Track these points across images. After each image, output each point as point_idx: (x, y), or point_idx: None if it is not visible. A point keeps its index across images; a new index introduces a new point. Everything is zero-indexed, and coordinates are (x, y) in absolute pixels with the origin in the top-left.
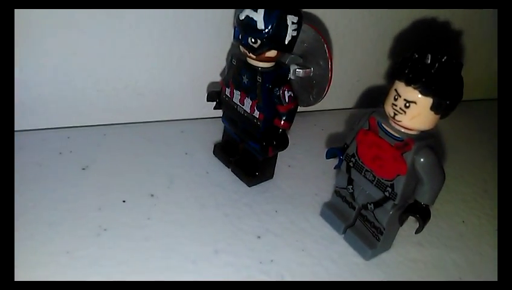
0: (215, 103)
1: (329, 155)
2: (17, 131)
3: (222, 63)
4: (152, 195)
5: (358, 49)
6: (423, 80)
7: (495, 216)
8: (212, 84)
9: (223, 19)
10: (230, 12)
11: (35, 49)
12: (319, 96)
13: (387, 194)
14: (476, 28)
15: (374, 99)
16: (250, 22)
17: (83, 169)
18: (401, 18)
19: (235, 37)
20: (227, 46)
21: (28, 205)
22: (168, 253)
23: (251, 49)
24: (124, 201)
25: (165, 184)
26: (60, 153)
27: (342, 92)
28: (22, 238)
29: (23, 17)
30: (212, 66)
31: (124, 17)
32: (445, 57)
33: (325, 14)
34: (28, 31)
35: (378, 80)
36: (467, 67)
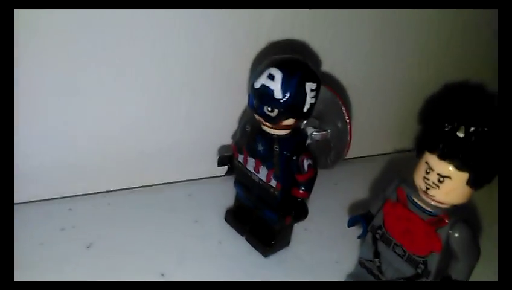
0: (226, 167)
1: (351, 224)
2: (17, 204)
3: (232, 120)
4: (162, 274)
5: (367, 94)
6: (460, 155)
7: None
8: (222, 148)
9: (233, 71)
10: (241, 63)
11: (36, 114)
12: (337, 158)
13: (419, 271)
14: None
15: (388, 145)
16: (266, 91)
17: (87, 247)
18: (416, 64)
19: (250, 105)
20: (238, 100)
21: None
22: None
23: (268, 118)
24: None
25: (175, 260)
26: (62, 230)
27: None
28: None
29: (23, 81)
30: (222, 123)
31: (127, 74)
32: (479, 128)
33: (342, 73)
34: (29, 95)
35: (396, 122)
36: None
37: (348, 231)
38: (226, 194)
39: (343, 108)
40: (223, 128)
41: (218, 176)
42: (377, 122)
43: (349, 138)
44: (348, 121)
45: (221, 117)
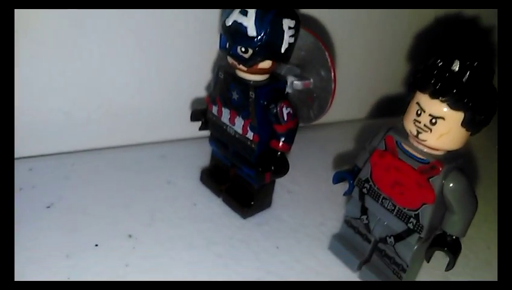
0: (200, 123)
1: (336, 180)
2: None
3: (207, 75)
4: (130, 236)
5: (363, 54)
6: (454, 91)
7: None
8: (196, 101)
9: (206, 23)
10: (215, 15)
11: None
12: (321, 111)
13: (411, 226)
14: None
15: (383, 108)
16: (239, 28)
17: (48, 207)
18: (410, 16)
19: (222, 46)
20: (213, 55)
21: None
22: None
23: (241, 60)
24: (96, 245)
25: (145, 221)
26: (21, 189)
27: (345, 102)
28: None
29: None
30: (196, 78)
31: (93, 26)
32: (475, 63)
33: (324, 16)
34: None
35: (387, 85)
36: None
37: (334, 193)
38: (201, 154)
39: (327, 53)
40: (197, 87)
41: (194, 138)
42: (365, 84)
43: (333, 86)
44: (332, 67)
45: (194, 75)
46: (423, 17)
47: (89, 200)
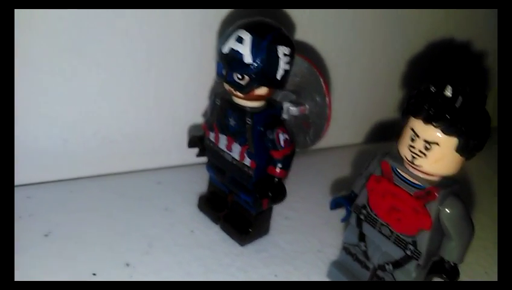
0: (198, 149)
1: (333, 206)
2: None
3: (204, 102)
4: (127, 264)
5: (357, 80)
6: (447, 116)
7: None
8: (193, 128)
9: (203, 50)
10: (212, 42)
11: None
12: (317, 136)
13: (408, 252)
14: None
15: (379, 133)
16: (235, 56)
17: (45, 236)
18: (404, 43)
19: (218, 73)
20: (210, 82)
21: None
22: None
23: (238, 86)
24: (94, 274)
25: (142, 249)
26: (19, 217)
27: (342, 127)
28: None
29: None
30: (194, 105)
31: (91, 53)
32: (468, 88)
33: (319, 43)
34: None
35: (382, 110)
36: None
37: (332, 219)
38: (199, 181)
39: (321, 79)
40: (194, 114)
41: (191, 164)
42: (360, 109)
43: (328, 112)
44: (327, 93)
45: (192, 102)
46: (417, 42)
47: (86, 227)
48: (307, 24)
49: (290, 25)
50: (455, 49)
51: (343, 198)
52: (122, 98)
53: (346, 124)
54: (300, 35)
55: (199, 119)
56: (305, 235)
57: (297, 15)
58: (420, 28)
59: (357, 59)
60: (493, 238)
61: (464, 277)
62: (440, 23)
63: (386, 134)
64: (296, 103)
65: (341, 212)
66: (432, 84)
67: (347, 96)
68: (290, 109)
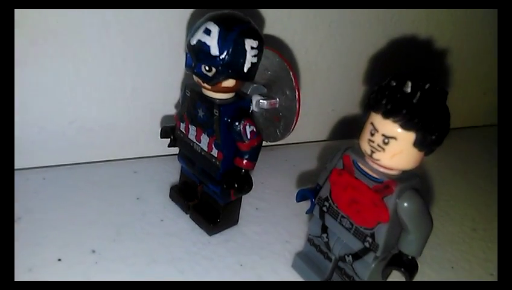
0: (169, 139)
1: (299, 198)
2: None
3: (178, 93)
4: (93, 251)
5: (331, 76)
6: (403, 111)
7: (487, 259)
8: (166, 119)
9: (179, 43)
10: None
11: None
12: (287, 130)
13: (367, 244)
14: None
15: (351, 129)
16: (202, 47)
17: (15, 222)
18: (378, 39)
19: (187, 64)
20: (186, 75)
21: None
22: None
23: (205, 78)
24: (59, 259)
25: (110, 237)
26: None
27: (314, 123)
28: None
29: None
30: (170, 96)
31: (68, 43)
32: (427, 84)
33: (293, 38)
34: None
35: (354, 108)
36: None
37: (302, 211)
38: (173, 171)
39: (291, 73)
40: (171, 105)
41: (168, 155)
42: (337, 106)
43: (297, 106)
44: (296, 87)
45: (169, 93)
46: (387, 39)
47: (57, 214)
48: (287, 21)
49: (269, 23)
50: (432, 48)
51: (309, 190)
52: (99, 87)
53: (322, 119)
54: (279, 32)
55: (173, 110)
56: (274, 226)
57: (277, 13)
58: (399, 26)
59: (327, 54)
60: (461, 233)
61: (428, 270)
62: (420, 22)
63: (355, 131)
64: (266, 97)
65: (309, 204)
66: (393, 79)
67: (318, 91)
68: (261, 102)
